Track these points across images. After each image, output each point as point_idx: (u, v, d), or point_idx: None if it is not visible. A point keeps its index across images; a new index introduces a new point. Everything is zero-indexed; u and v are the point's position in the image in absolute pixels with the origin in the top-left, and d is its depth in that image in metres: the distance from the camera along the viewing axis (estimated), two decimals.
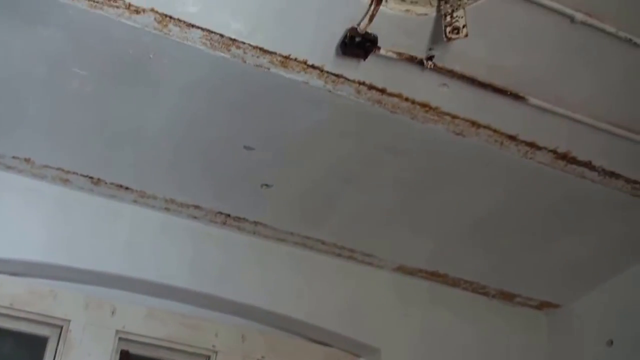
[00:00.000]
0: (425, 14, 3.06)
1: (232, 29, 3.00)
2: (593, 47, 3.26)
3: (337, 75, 3.23)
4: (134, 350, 4.19)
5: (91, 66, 3.18)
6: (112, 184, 3.98)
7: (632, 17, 3.14)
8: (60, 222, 3.99)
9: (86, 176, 3.92)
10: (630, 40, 3.20)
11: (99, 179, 3.95)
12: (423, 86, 3.33)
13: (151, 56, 3.11)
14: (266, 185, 3.97)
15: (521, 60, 3.29)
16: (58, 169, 3.87)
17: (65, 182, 3.95)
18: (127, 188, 4.01)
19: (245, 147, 3.67)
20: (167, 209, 4.17)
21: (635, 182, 3.98)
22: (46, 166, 3.85)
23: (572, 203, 4.13)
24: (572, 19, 3.10)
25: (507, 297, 5.08)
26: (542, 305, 5.18)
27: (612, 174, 3.92)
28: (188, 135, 3.61)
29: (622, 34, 3.18)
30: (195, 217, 4.25)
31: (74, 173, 3.90)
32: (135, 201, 4.11)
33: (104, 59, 3.14)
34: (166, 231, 4.21)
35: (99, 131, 3.60)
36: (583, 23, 3.12)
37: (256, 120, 3.49)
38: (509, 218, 4.28)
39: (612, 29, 3.16)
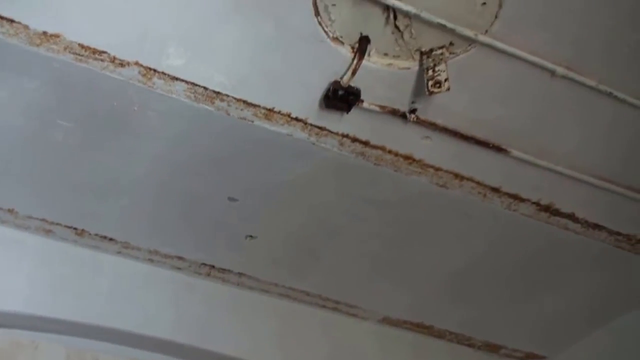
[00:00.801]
0: (408, 68, 3.10)
1: (216, 82, 3.02)
2: (574, 101, 3.30)
3: (320, 128, 3.25)
4: None
5: (75, 118, 3.19)
6: (96, 235, 3.95)
7: (612, 71, 3.18)
8: (43, 273, 3.95)
9: (70, 227, 3.90)
10: (611, 93, 3.24)
11: (82, 230, 3.92)
12: (406, 139, 3.35)
13: (135, 108, 3.12)
14: (250, 236, 3.96)
15: (503, 113, 3.33)
16: (42, 219, 3.85)
17: (49, 232, 3.92)
18: (110, 239, 3.98)
19: (230, 199, 3.67)
20: (150, 260, 4.14)
21: (618, 233, 4.00)
22: (30, 217, 3.82)
23: (556, 254, 4.14)
24: (552, 73, 3.15)
25: (493, 348, 5.05)
26: (528, 357, 5.15)
27: (596, 226, 3.95)
28: (172, 187, 3.61)
29: (602, 87, 3.22)
30: (178, 269, 4.22)
31: (57, 224, 3.88)
32: (118, 252, 4.08)
33: (88, 111, 3.15)
34: (149, 282, 4.17)
35: (83, 182, 3.59)
36: (564, 77, 3.16)
37: (240, 171, 3.50)
38: (492, 269, 4.28)
39: (592, 83, 3.21)
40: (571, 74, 3.15)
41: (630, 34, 3.02)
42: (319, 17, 2.87)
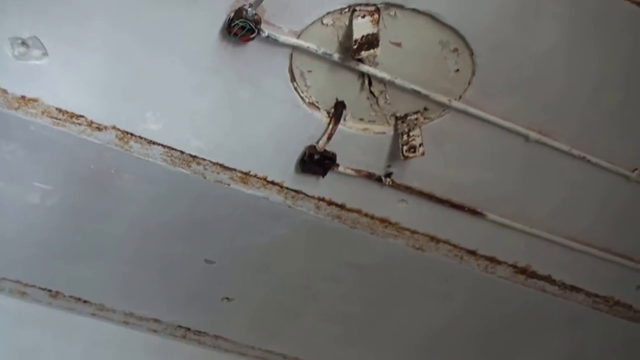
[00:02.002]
0: (383, 133, 3.14)
1: (193, 146, 3.04)
2: (548, 165, 3.35)
3: (296, 191, 3.26)
4: None
5: (52, 181, 3.19)
6: (70, 297, 3.91)
7: (585, 135, 3.23)
8: (17, 335, 3.90)
9: (44, 289, 3.86)
10: (584, 157, 3.28)
11: (57, 292, 3.88)
12: (382, 202, 3.37)
13: (113, 171, 3.13)
14: (227, 298, 3.93)
15: (478, 177, 3.36)
16: (16, 281, 3.81)
17: (23, 295, 3.87)
18: (85, 301, 3.94)
19: (206, 261, 3.65)
20: (125, 323, 4.10)
21: (596, 295, 4.02)
22: (4, 279, 3.78)
23: (533, 316, 4.14)
24: (526, 138, 3.20)
25: None
26: None
27: (573, 288, 3.96)
28: (148, 249, 3.59)
29: (575, 151, 3.27)
30: (154, 331, 4.17)
31: (32, 286, 3.84)
32: (93, 314, 4.03)
33: (64, 174, 3.15)
34: (125, 345, 4.12)
35: (59, 244, 3.56)
36: (537, 141, 3.21)
37: (217, 234, 3.49)
38: (469, 330, 4.27)
39: (565, 147, 3.26)
40: (544, 139, 3.20)
41: (601, 99, 3.07)
42: (295, 83, 2.90)
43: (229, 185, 3.19)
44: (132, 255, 3.64)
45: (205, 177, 3.15)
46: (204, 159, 3.09)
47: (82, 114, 2.89)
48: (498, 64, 2.90)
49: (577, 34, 2.79)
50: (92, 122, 2.91)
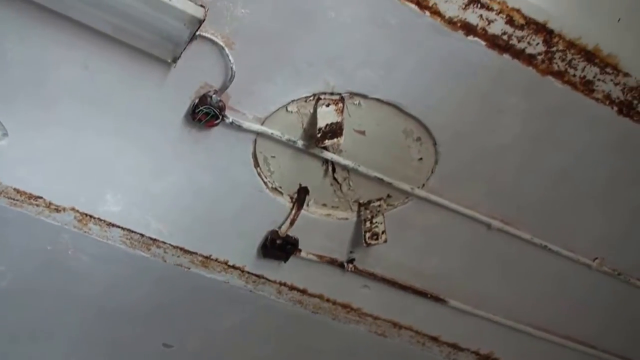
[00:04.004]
0: (346, 219, 3.13)
1: (153, 228, 3.00)
2: (510, 253, 3.35)
3: (258, 276, 3.23)
4: None
5: (7, 261, 3.12)
6: None
7: (546, 224, 3.25)
8: None
9: None
10: (545, 246, 3.30)
11: None
12: (344, 287, 3.34)
13: (70, 252, 3.07)
14: None
15: (441, 264, 3.35)
16: None
17: None
18: None
19: (164, 345, 3.57)
20: None
21: None
22: None
23: None
24: (488, 226, 3.20)
25: None
26: None
27: None
28: (104, 332, 3.50)
29: (536, 240, 3.29)
30: None
31: None
32: None
33: (21, 254, 3.09)
34: None
35: (9, 325, 3.46)
36: (499, 230, 3.21)
37: (176, 317, 3.43)
38: None
39: (527, 236, 3.27)
40: (506, 228, 3.21)
41: (561, 190, 3.10)
42: (258, 168, 2.90)
43: (189, 269, 3.15)
44: (86, 338, 3.55)
45: (165, 261, 3.11)
46: (164, 242, 3.05)
47: (41, 195, 2.85)
48: (460, 154, 2.92)
49: (536, 128, 2.84)
50: (50, 203, 2.87)
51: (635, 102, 2.75)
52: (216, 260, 3.15)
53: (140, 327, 3.50)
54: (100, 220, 2.95)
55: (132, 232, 2.99)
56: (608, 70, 2.63)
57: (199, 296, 3.31)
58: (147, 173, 2.84)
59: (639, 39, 2.60)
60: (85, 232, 2.97)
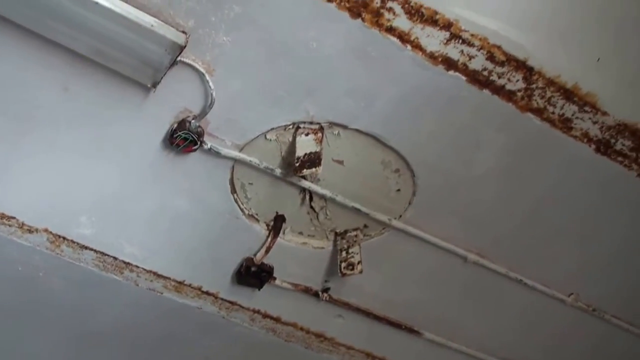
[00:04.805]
0: (322, 248, 3.11)
1: (127, 252, 2.98)
2: (486, 286, 3.35)
3: (231, 303, 3.21)
4: None
5: None
6: None
7: (522, 259, 3.25)
8: None
9: None
10: (521, 280, 3.29)
11: None
12: (318, 317, 3.33)
13: (41, 274, 3.03)
14: None
15: (416, 296, 3.34)
16: None
17: None
18: None
19: None
20: None
21: None
22: None
23: None
24: (465, 259, 3.20)
25: None
26: None
27: None
28: (74, 356, 3.47)
29: (512, 274, 3.28)
30: None
31: None
32: None
33: None
34: None
35: None
36: (475, 263, 3.21)
37: (146, 342, 3.40)
38: None
39: (502, 270, 3.26)
40: (482, 261, 3.21)
41: (536, 225, 3.11)
42: (235, 195, 2.88)
43: (161, 293, 3.12)
44: None
45: (137, 285, 3.08)
46: (138, 266, 3.02)
47: (13, 215, 2.82)
48: (438, 186, 2.92)
49: (514, 163, 2.84)
50: (23, 223, 2.83)
51: (612, 140, 2.76)
52: (190, 285, 3.12)
53: (110, 351, 3.46)
54: (74, 242, 2.91)
55: (105, 255, 2.96)
56: (587, 108, 2.64)
57: (171, 321, 3.28)
58: (122, 196, 2.82)
59: (617, 79, 2.61)
60: (57, 254, 2.93)
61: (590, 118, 2.66)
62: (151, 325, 3.29)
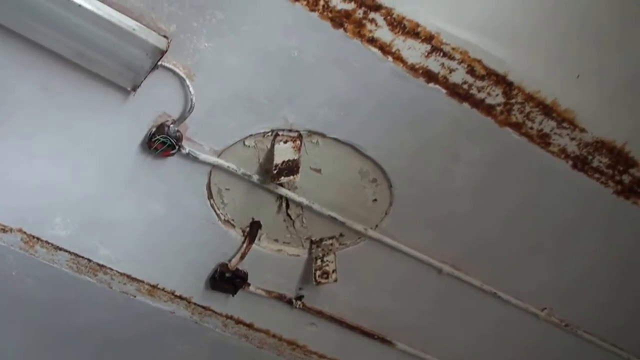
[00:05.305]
0: (297, 255, 3.11)
1: (101, 254, 2.96)
2: (460, 298, 3.36)
3: (204, 308, 3.20)
4: None
5: None
6: None
7: (496, 272, 3.26)
8: None
9: None
10: (495, 293, 3.31)
11: None
12: (291, 324, 3.33)
13: (14, 273, 3.01)
14: None
15: (390, 306, 3.34)
16: None
17: None
18: None
19: None
20: None
21: None
22: None
23: None
24: (439, 271, 3.21)
25: None
26: None
27: None
28: (45, 357, 3.43)
29: (486, 287, 3.29)
30: None
31: None
32: None
33: None
34: None
35: None
36: (450, 275, 3.22)
37: (117, 345, 3.38)
38: None
39: (477, 282, 3.27)
40: (457, 273, 3.21)
41: (511, 239, 3.13)
42: (211, 200, 2.87)
43: (134, 296, 3.10)
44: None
45: (111, 287, 3.06)
46: (111, 269, 3.00)
47: None
48: (415, 197, 2.93)
49: (491, 176, 2.86)
50: None
51: (590, 157, 2.78)
52: (163, 289, 3.10)
53: (81, 352, 3.44)
54: (48, 243, 2.89)
55: (80, 256, 2.94)
56: (565, 124, 2.66)
57: (143, 325, 3.26)
58: (98, 198, 2.80)
59: (596, 96, 2.63)
60: (31, 254, 2.91)
61: (568, 134, 2.68)
62: (123, 328, 3.27)
